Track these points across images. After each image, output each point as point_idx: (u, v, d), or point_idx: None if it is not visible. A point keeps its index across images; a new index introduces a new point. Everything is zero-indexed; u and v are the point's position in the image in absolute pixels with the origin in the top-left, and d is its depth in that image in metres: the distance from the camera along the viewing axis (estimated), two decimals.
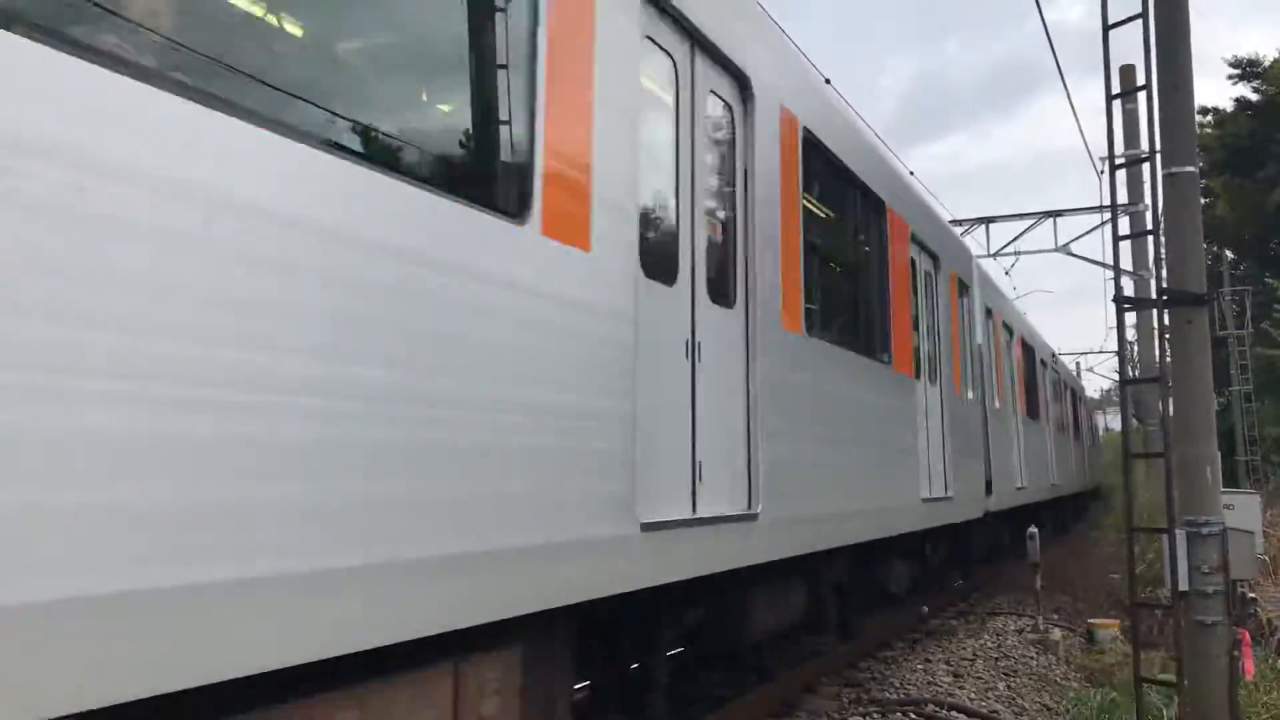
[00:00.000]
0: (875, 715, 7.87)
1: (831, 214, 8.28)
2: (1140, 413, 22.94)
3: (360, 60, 3.72)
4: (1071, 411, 28.13)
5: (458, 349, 3.53)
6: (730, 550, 5.66)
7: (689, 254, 5.53)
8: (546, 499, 4.00)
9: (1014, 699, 8.96)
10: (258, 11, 3.24)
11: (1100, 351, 60.07)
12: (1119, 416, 10.30)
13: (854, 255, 9.03)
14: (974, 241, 25.36)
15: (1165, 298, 7.34)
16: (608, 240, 4.52)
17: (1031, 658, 10.90)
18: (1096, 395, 70.06)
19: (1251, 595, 10.31)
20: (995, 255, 25.97)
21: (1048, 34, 13.66)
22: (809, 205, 7.33)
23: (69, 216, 2.31)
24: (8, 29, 2.21)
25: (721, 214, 6.06)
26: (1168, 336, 7.66)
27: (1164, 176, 7.33)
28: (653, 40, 5.24)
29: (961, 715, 8.08)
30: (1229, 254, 39.88)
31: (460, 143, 4.07)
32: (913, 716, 7.93)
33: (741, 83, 6.20)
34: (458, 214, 3.60)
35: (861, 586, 9.29)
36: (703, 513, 5.39)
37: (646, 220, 5.11)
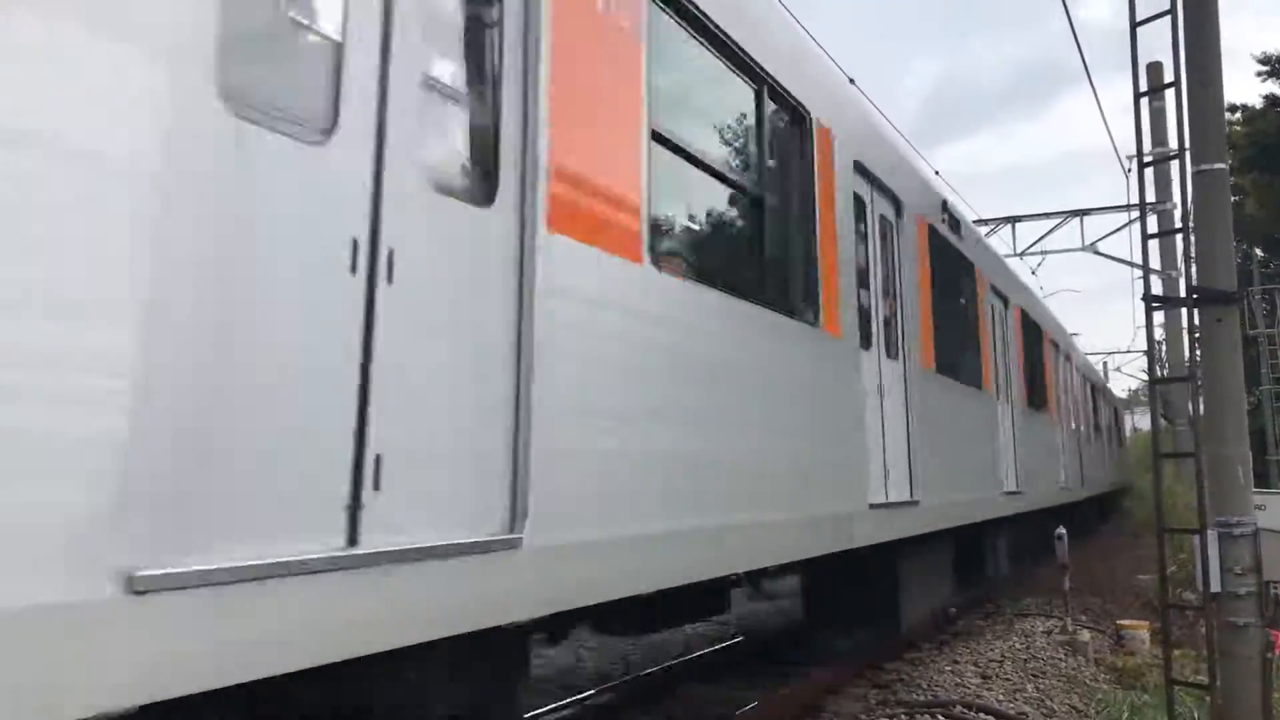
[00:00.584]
0: (902, 717, 7.83)
1: (947, 283, 10.72)
2: (1169, 413, 22.76)
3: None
4: (1091, 405, 27.73)
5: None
6: (907, 523, 8.10)
7: (879, 327, 8.02)
8: (831, 491, 6.59)
9: (1043, 700, 8.89)
10: None
11: (1128, 351, 59.64)
12: (1147, 416, 10.34)
13: (965, 314, 11.63)
14: (1000, 241, 25.24)
15: (1195, 296, 7.27)
16: (850, 326, 7.13)
17: (1060, 659, 10.81)
18: (1124, 395, 69.52)
19: None
20: (1022, 255, 25.80)
21: (1074, 33, 13.56)
22: (934, 278, 9.79)
23: None
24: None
25: (887, 291, 8.44)
26: (1197, 335, 7.60)
27: (1194, 174, 7.27)
28: (857, 193, 7.69)
29: (990, 717, 8.03)
30: (1259, 252, 39.42)
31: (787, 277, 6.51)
32: (940, 718, 7.89)
33: (896, 204, 8.78)
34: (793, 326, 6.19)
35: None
36: (892, 499, 7.73)
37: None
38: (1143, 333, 55.49)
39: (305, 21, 3.15)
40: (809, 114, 6.75)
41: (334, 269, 3.03)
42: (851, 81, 8.87)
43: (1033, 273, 28.24)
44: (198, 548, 2.54)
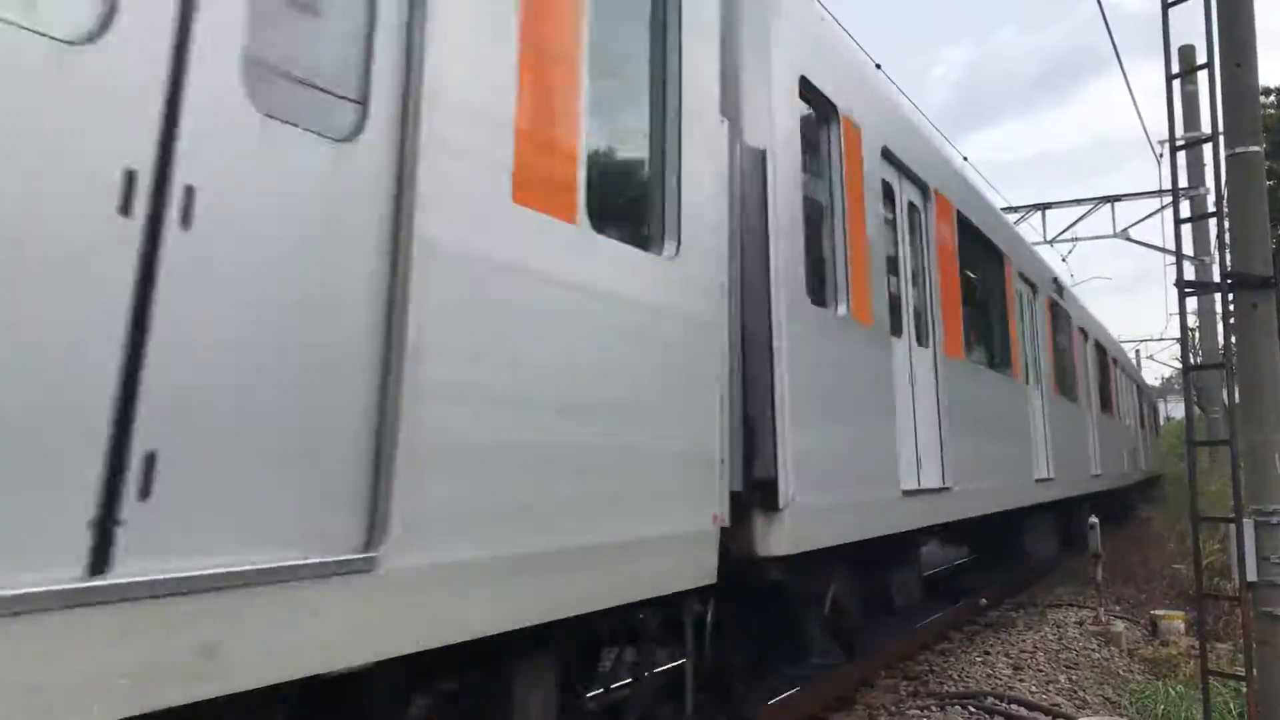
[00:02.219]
0: (933, 708, 7.78)
1: (973, 269, 10.72)
2: (1202, 400, 22.48)
3: None
4: (1125, 393, 27.31)
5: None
6: (940, 509, 8.06)
7: (908, 315, 7.98)
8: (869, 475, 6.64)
9: (1075, 691, 8.81)
10: None
11: (1161, 339, 59.03)
12: (1180, 404, 10.20)
13: (994, 300, 11.74)
14: (1030, 228, 25.01)
15: (1229, 281, 7.16)
16: (880, 314, 7.03)
17: (1093, 650, 10.71)
18: (1157, 383, 68.80)
19: None
20: (1052, 242, 25.55)
21: (1104, 16, 13.39)
22: (962, 265, 9.86)
23: None
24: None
25: (916, 279, 8.55)
26: (1232, 321, 7.47)
27: (1228, 157, 7.15)
28: (884, 179, 7.77)
29: (1022, 708, 7.96)
30: None
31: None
32: (972, 709, 7.82)
33: (924, 191, 8.86)
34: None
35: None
36: (925, 486, 7.67)
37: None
38: (1175, 320, 54.90)
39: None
40: (835, 105, 6.69)
41: (94, 208, 2.27)
42: (878, 68, 8.80)
43: (1063, 260, 27.82)
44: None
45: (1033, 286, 14.04)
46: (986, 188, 18.63)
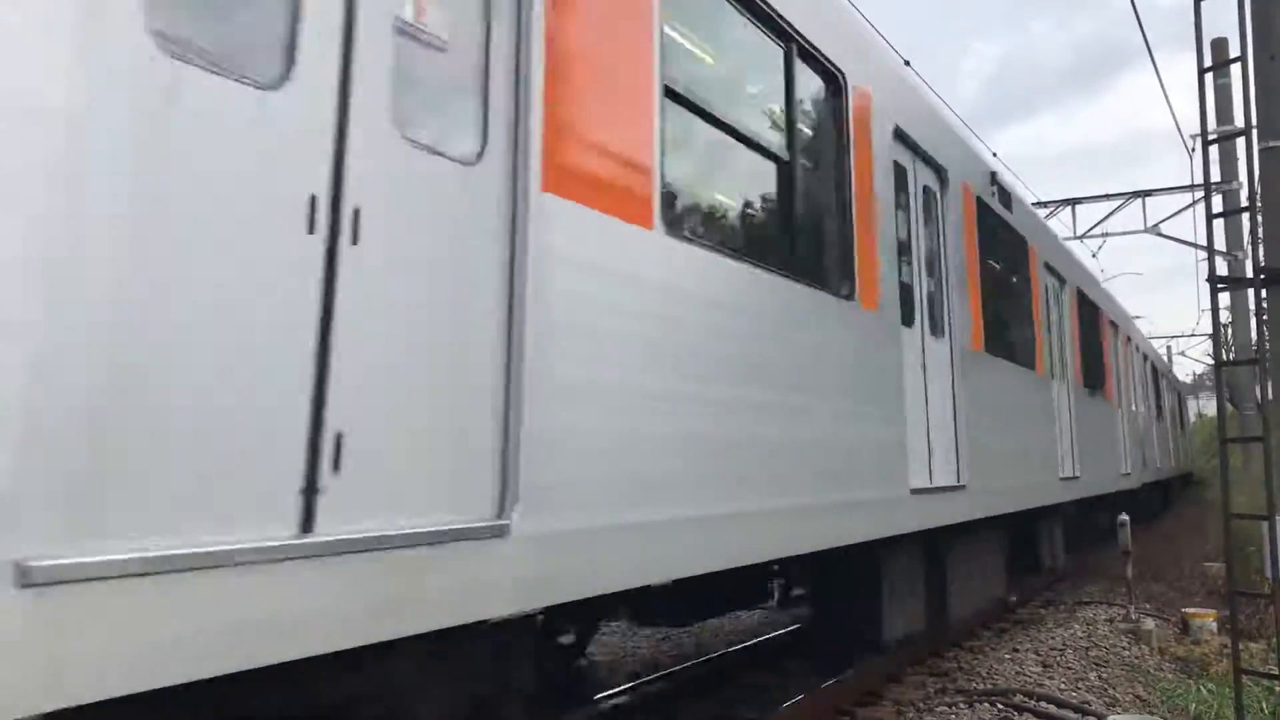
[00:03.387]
0: (961, 705, 7.76)
1: (997, 259, 10.41)
2: (1234, 397, 22.24)
3: None
4: (1154, 389, 27.02)
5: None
6: (953, 508, 7.88)
7: (922, 304, 7.76)
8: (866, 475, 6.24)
9: (1105, 689, 8.76)
10: None
11: (1192, 335, 58.40)
12: (1212, 401, 10.12)
13: (1016, 291, 11.38)
14: (1060, 223, 24.84)
15: (1262, 276, 7.10)
16: (889, 302, 6.72)
17: (1123, 648, 10.64)
18: (1188, 380, 68.09)
19: None
20: (1082, 237, 25.35)
21: (1135, 9, 13.27)
22: (982, 253, 9.55)
23: None
24: None
25: (931, 266, 8.29)
26: (1265, 317, 7.41)
27: (1261, 151, 7.09)
28: (896, 160, 7.52)
29: (1051, 705, 7.92)
30: None
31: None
32: (1000, 706, 7.80)
33: (940, 174, 8.59)
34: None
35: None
36: (937, 484, 7.52)
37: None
38: (1207, 316, 54.29)
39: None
40: (844, 76, 6.44)
41: (288, 229, 2.74)
42: (907, 64, 8.74)
43: (1093, 255, 27.61)
44: (114, 535, 2.29)
45: (1059, 278, 13.71)
46: (1018, 182, 18.49)
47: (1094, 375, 15.43)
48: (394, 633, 2.89)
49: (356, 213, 2.93)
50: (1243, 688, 7.10)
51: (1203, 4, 7.61)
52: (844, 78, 6.44)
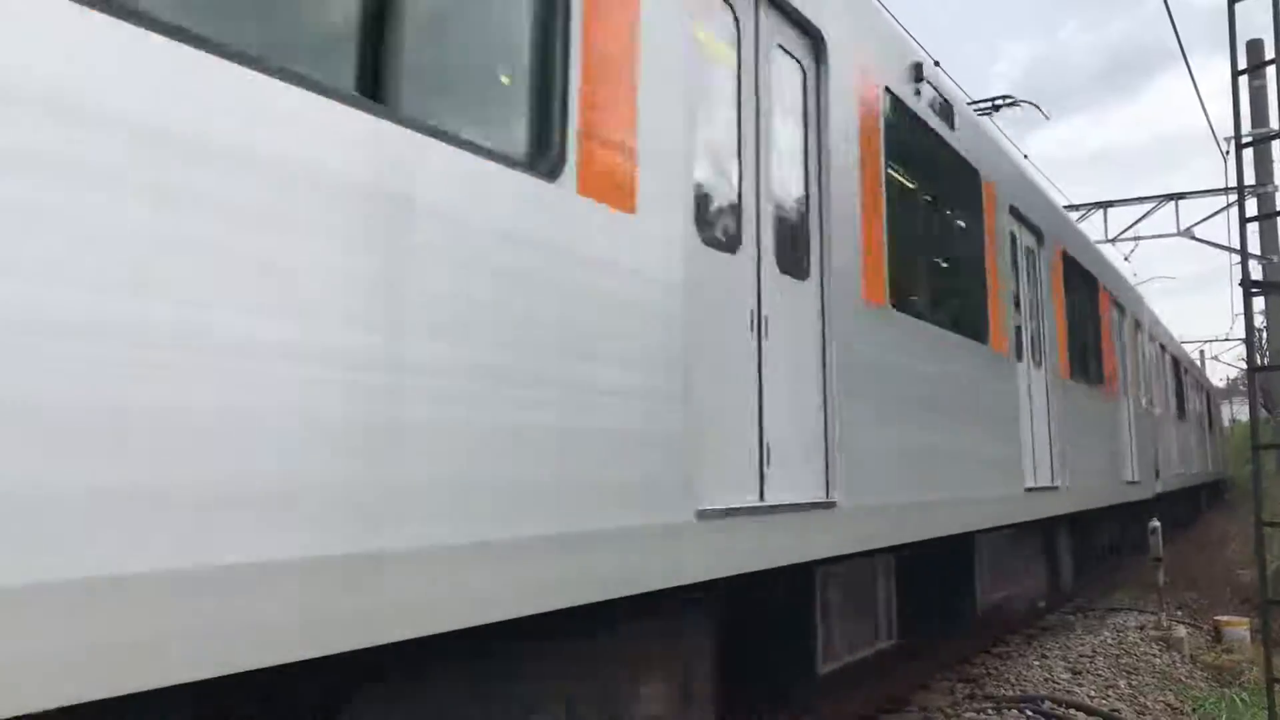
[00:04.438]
0: (990, 712, 7.72)
1: (1078, 300, 12.70)
2: (1268, 403, 21.99)
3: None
4: (1199, 405, 26.83)
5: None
6: (1054, 504, 10.34)
7: (1027, 342, 10.08)
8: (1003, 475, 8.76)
9: (1135, 697, 8.69)
10: None
11: (1226, 339, 57.78)
12: (1245, 406, 10.06)
13: (1093, 325, 13.56)
14: (1091, 227, 24.64)
15: None
16: (1010, 344, 9.43)
17: (1154, 656, 10.54)
18: (1221, 384, 67.34)
19: None
20: (1114, 241, 25.14)
21: (1169, 11, 13.15)
22: (1066, 297, 11.78)
23: None
24: None
25: (1031, 311, 10.53)
26: None
27: None
28: (1011, 231, 10.12)
29: (1080, 713, 7.87)
30: None
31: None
32: (1029, 714, 7.75)
33: (1039, 236, 11.10)
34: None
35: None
36: (1040, 484, 10.10)
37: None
38: (1241, 320, 53.66)
39: (734, 200, 4.95)
40: (980, 174, 8.81)
41: (744, 329, 4.93)
42: (937, 64, 8.69)
43: (1125, 259, 27.39)
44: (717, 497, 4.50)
45: (1122, 309, 16.17)
46: (1049, 185, 18.37)
47: (1089, 363, 13.29)
48: (800, 557, 5.03)
49: (765, 319, 5.12)
50: (1275, 697, 7.02)
51: (1237, 5, 7.55)
52: (980, 176, 8.90)
